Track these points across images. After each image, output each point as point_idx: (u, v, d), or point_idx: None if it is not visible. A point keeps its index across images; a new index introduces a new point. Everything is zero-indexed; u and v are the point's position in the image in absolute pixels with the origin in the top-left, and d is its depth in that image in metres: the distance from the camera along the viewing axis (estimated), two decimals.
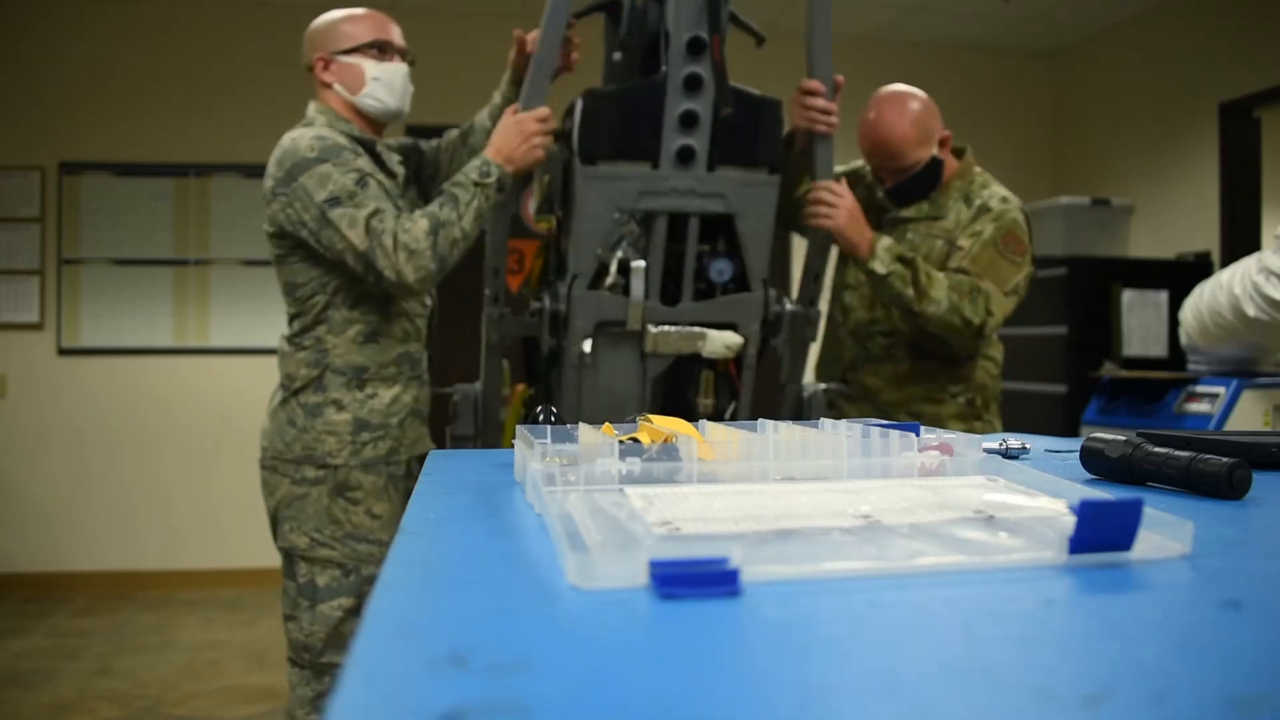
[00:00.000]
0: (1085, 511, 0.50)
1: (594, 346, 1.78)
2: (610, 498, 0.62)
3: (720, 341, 1.80)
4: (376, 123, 1.97)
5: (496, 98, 2.10)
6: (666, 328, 1.78)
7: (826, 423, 0.90)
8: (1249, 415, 3.05)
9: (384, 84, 1.93)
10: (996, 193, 2.10)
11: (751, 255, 1.81)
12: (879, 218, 2.17)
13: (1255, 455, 0.87)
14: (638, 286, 1.74)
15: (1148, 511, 0.51)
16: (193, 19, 4.49)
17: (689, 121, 1.69)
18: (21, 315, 4.40)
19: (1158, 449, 0.79)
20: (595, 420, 1.77)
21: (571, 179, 1.77)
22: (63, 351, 4.42)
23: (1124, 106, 4.72)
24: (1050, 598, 0.46)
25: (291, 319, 1.93)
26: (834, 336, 2.27)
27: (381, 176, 1.86)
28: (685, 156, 1.71)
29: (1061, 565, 0.50)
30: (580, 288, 1.76)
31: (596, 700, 0.32)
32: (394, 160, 2.01)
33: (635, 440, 0.81)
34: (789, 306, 1.87)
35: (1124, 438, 0.83)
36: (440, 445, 2.07)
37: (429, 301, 2.04)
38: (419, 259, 1.76)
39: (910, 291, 1.94)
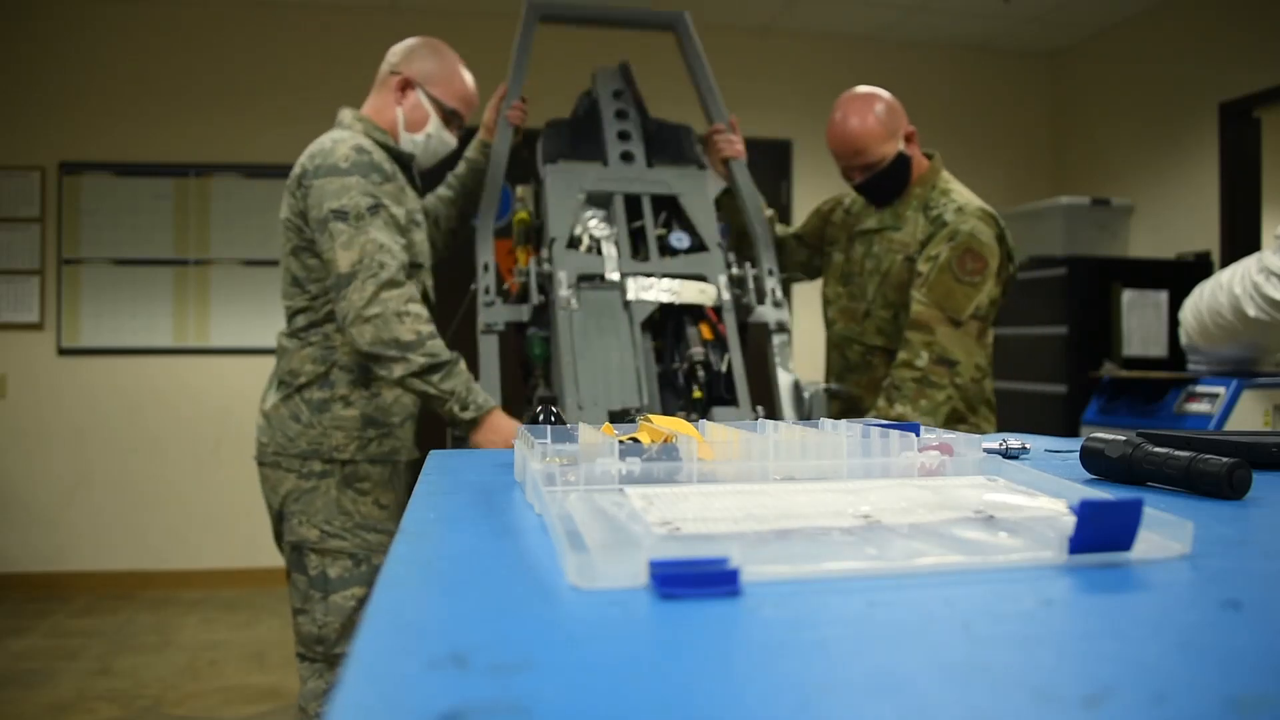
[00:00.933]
0: (1085, 511, 0.50)
1: (580, 300, 1.92)
2: (610, 498, 0.62)
3: (694, 288, 1.96)
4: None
5: (470, 152, 2.25)
6: (643, 277, 1.96)
7: (826, 423, 0.90)
8: (1249, 415, 3.05)
9: (431, 145, 2.02)
10: (954, 202, 2.09)
11: (701, 226, 2.08)
12: (850, 232, 2.25)
13: (1255, 455, 0.87)
14: (609, 245, 2.00)
15: (1148, 511, 0.51)
16: (193, 19, 4.49)
17: (624, 137, 2.16)
18: (21, 315, 4.40)
19: (1158, 449, 0.79)
20: (594, 369, 1.84)
21: (542, 195, 2.08)
22: (63, 351, 4.42)
23: (1124, 106, 4.72)
24: (1050, 598, 0.46)
25: (295, 314, 1.93)
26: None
27: (396, 209, 1.86)
28: (627, 158, 2.12)
29: (1061, 565, 0.50)
30: (559, 247, 1.97)
31: (596, 700, 0.32)
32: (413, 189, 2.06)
33: (635, 440, 0.81)
34: (751, 270, 2.09)
35: (1124, 438, 0.82)
36: (439, 445, 2.08)
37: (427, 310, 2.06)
38: (371, 330, 1.75)
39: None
